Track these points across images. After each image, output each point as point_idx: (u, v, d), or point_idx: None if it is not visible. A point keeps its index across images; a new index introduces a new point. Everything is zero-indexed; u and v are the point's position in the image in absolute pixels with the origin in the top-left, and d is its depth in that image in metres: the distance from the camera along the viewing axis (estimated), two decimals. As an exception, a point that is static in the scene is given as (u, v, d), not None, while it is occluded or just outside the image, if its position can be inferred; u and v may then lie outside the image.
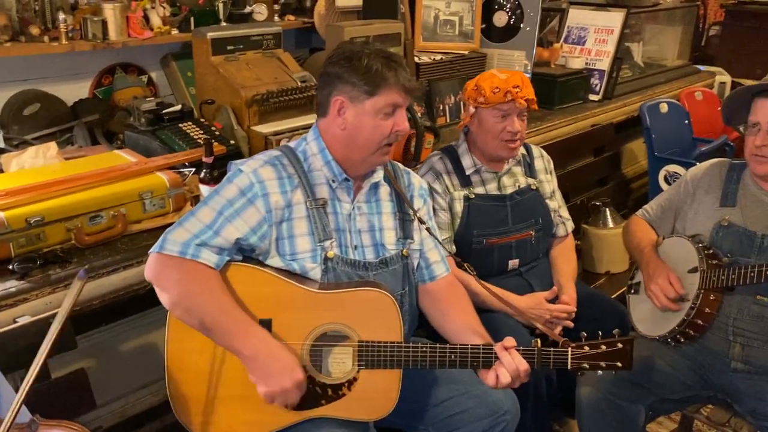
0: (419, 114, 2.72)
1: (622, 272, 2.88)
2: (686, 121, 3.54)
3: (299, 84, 2.39)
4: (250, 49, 2.45)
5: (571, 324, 2.08)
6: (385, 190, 1.72)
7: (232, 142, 2.21)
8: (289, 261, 1.56)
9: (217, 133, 2.23)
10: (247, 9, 2.89)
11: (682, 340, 1.88)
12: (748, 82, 4.51)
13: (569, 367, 1.52)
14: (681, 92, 3.84)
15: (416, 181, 1.81)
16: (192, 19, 2.69)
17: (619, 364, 1.50)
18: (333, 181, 1.62)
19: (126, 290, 1.71)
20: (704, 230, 1.91)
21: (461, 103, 2.99)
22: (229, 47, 2.38)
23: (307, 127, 2.30)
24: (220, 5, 2.69)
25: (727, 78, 4.53)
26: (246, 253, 1.55)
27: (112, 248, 1.75)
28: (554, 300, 2.11)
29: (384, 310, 1.53)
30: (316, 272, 1.57)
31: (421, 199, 1.79)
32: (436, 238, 1.75)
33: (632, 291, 2.10)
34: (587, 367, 1.51)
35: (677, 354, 1.91)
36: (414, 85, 1.58)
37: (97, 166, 1.88)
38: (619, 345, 1.50)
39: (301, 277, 1.56)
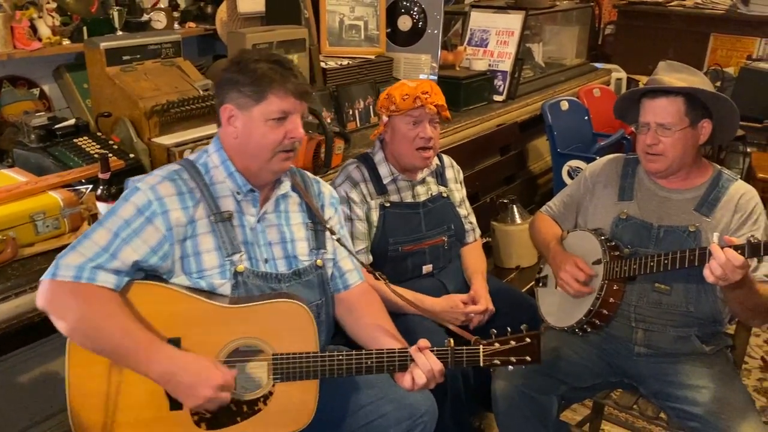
0: (328, 120, 2.71)
1: (532, 266, 2.98)
2: (586, 118, 3.68)
3: (201, 93, 2.33)
4: (148, 58, 2.37)
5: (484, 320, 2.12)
6: (294, 201, 1.69)
7: (132, 155, 2.12)
8: (197, 279, 1.51)
9: (115, 146, 2.14)
10: (145, 17, 2.79)
11: (589, 329, 1.95)
12: (642, 78, 4.78)
13: (481, 364, 1.55)
14: (580, 90, 3.99)
15: (326, 190, 1.79)
16: (85, 28, 2.57)
17: (528, 358, 1.55)
18: (238, 193, 1.58)
19: (19, 319, 1.60)
20: (604, 224, 1.99)
21: (371, 107, 3.01)
22: (125, 57, 2.29)
23: (211, 137, 2.25)
24: (115, 14, 2.59)
25: (622, 74, 4.76)
26: (148, 272, 1.49)
27: (1, 275, 1.64)
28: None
29: (298, 321, 1.51)
30: (225, 288, 1.52)
31: (332, 208, 1.77)
32: (347, 248, 1.74)
33: (540, 284, 2.17)
34: (498, 363, 1.55)
35: (584, 343, 1.98)
36: (304, 89, 1.55)
37: (-17, 188, 1.77)
38: (527, 340, 1.54)
39: (210, 294, 1.51)
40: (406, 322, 1.98)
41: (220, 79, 1.56)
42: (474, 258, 2.32)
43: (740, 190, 1.87)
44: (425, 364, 1.50)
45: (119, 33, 2.56)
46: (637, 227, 1.93)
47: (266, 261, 1.60)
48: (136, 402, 1.47)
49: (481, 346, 1.55)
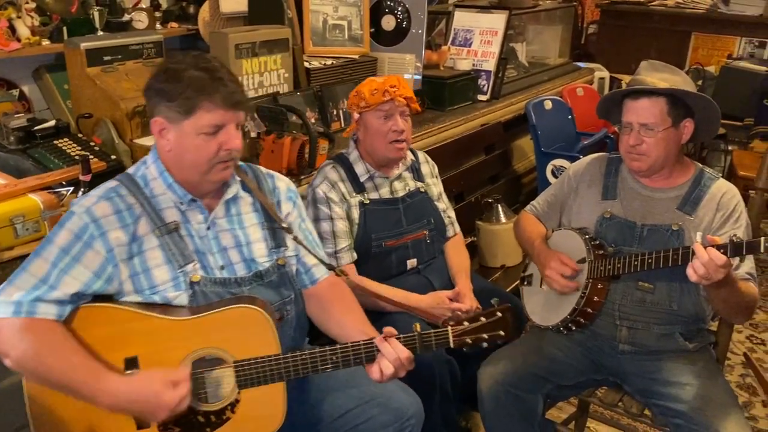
0: (312, 120, 2.70)
1: (517, 265, 2.98)
2: (569, 117, 3.69)
3: (184, 94, 2.31)
4: (130, 58, 2.35)
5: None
6: (246, 202, 1.63)
7: (114, 157, 2.11)
8: (150, 295, 1.47)
9: (96, 148, 2.12)
10: (126, 17, 2.76)
11: (574, 328, 1.96)
12: (625, 77, 4.81)
13: (452, 345, 1.49)
14: (563, 89, 4.00)
15: (282, 185, 1.72)
16: (65, 28, 2.54)
17: (501, 333, 1.49)
18: (181, 203, 1.53)
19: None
20: (589, 223, 2.00)
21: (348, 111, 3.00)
22: (106, 58, 2.28)
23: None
24: (96, 13, 2.55)
25: (605, 74, 4.79)
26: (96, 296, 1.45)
27: (-20, 279, 1.61)
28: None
29: (255, 326, 1.47)
30: (181, 299, 1.49)
31: (289, 203, 1.71)
32: (305, 247, 1.67)
33: (525, 282, 2.18)
34: (470, 342, 1.49)
35: (569, 341, 1.98)
36: (236, 99, 1.46)
37: (-39, 191, 1.74)
38: (498, 314, 1.49)
39: (165, 307, 1.48)
40: (393, 322, 1.97)
41: (149, 88, 1.48)
42: (458, 256, 2.33)
43: (722, 189, 1.89)
44: (391, 353, 1.46)
45: (100, 33, 2.53)
46: (620, 226, 1.94)
47: (222, 267, 1.55)
48: (101, 427, 1.44)
49: (449, 327, 1.49)
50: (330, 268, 1.70)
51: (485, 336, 1.49)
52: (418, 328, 1.51)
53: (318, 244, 1.76)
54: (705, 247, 1.61)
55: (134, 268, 1.46)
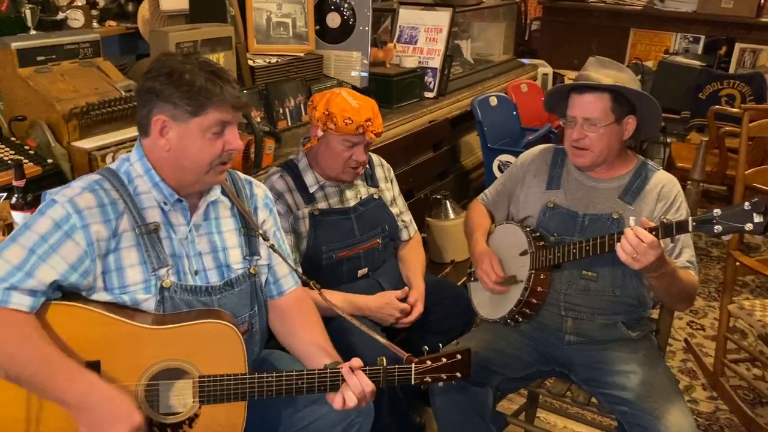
0: (258, 119, 2.67)
1: (466, 260, 3.01)
2: (514, 113, 3.75)
3: (123, 94, 2.25)
4: (65, 58, 2.27)
5: (413, 317, 2.13)
6: (224, 206, 1.62)
7: (50, 161, 2.03)
8: (119, 294, 1.43)
9: (31, 152, 2.04)
10: (61, 15, 2.67)
11: (520, 319, 1.99)
12: (567, 72, 4.92)
13: (413, 382, 1.53)
14: (508, 85, 4.06)
15: (259, 191, 1.71)
16: (-6, 27, 2.45)
17: (458, 375, 1.55)
18: (165, 204, 1.50)
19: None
20: (533, 212, 2.03)
21: (301, 105, 2.97)
22: (39, 58, 2.19)
23: (135, 139, 2.18)
24: (28, 12, 2.46)
25: (548, 69, 4.89)
26: (66, 291, 1.41)
27: None
28: (405, 299, 2.15)
29: (225, 343, 1.45)
30: (149, 303, 1.45)
31: (266, 210, 1.70)
32: (281, 255, 1.66)
33: (472, 279, 2.20)
34: (429, 380, 1.54)
35: (517, 334, 2.02)
36: (243, 101, 1.49)
37: None
38: (458, 356, 1.54)
39: (133, 310, 1.44)
40: (341, 324, 1.96)
41: (146, 87, 1.45)
42: (415, 257, 2.31)
43: (662, 180, 1.94)
44: (356, 386, 1.47)
45: (32, 32, 2.44)
46: (563, 216, 1.98)
47: (196, 273, 1.53)
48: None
49: (413, 365, 1.52)
50: (305, 282, 1.67)
51: (444, 376, 1.54)
52: (384, 362, 1.51)
53: (289, 255, 1.75)
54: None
55: (108, 265, 1.42)
